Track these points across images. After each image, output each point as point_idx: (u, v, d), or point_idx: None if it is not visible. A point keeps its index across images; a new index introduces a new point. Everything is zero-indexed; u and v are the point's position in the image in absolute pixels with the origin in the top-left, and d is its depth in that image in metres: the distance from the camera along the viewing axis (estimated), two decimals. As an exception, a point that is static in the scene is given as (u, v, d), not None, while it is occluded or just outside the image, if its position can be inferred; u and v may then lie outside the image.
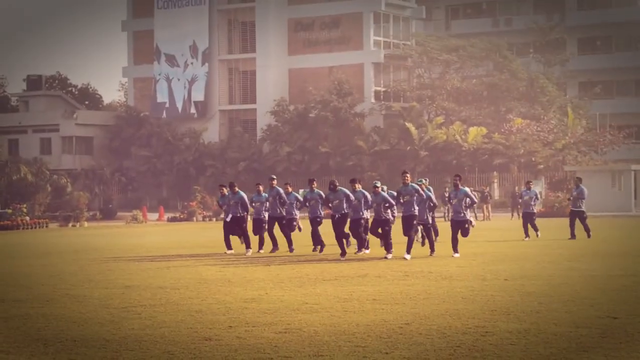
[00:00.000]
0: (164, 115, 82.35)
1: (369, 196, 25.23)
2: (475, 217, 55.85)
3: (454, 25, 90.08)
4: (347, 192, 25.50)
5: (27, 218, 53.58)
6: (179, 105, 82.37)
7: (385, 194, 25.22)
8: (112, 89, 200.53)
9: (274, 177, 28.39)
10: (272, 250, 27.83)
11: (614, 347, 11.45)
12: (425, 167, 71.16)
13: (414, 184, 25.12)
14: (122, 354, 11.51)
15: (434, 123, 72.59)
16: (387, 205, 24.99)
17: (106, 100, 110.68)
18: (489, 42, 77.57)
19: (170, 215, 62.66)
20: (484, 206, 55.28)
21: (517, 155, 69.22)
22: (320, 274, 21.06)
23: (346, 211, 25.43)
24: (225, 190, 28.54)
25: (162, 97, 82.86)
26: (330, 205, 25.67)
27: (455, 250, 25.29)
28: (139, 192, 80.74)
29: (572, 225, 32.74)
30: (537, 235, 33.21)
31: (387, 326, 13.15)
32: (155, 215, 64.77)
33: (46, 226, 54.00)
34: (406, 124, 72.40)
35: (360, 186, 25.79)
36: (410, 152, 71.51)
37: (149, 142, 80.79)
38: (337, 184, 25.94)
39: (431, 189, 29.55)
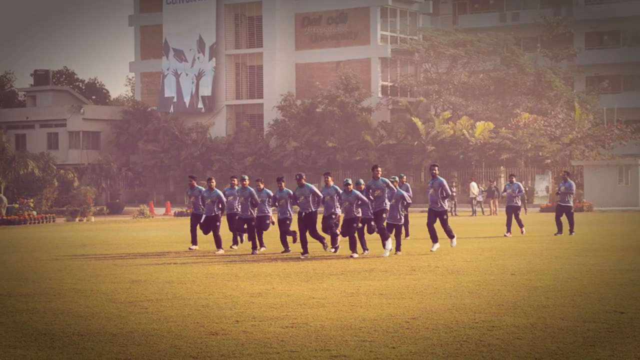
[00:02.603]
0: (172, 110, 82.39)
1: (341, 192, 24.26)
2: (482, 212, 55.96)
3: (461, 19, 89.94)
4: (314, 188, 24.77)
5: (34, 213, 53.64)
6: (187, 100, 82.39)
7: (358, 192, 24.14)
8: (119, 83, 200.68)
9: (246, 177, 26.96)
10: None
11: (620, 341, 11.45)
12: (432, 162, 71.07)
13: (384, 178, 24.46)
14: (129, 348, 11.53)
15: (441, 118, 72.51)
16: (360, 203, 24.03)
17: (113, 95, 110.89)
18: (496, 37, 77.45)
19: (177, 209, 62.69)
20: (491, 201, 55.24)
21: (524, 150, 69.10)
22: (326, 268, 21.07)
23: (313, 209, 24.62)
24: (195, 182, 27.74)
25: (170, 91, 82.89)
26: (297, 201, 24.82)
27: (434, 240, 24.65)
28: (146, 186, 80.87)
29: (558, 220, 32.31)
30: (522, 232, 32.50)
31: (393, 321, 13.16)
32: (162, 210, 64.84)
33: (53, 221, 54.06)
34: (413, 118, 72.33)
35: (332, 181, 24.95)
36: (417, 146, 71.47)
37: (156, 137, 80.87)
38: (304, 178, 25.13)
39: (409, 186, 29.05)
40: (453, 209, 55.62)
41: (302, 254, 24.29)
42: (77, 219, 56.56)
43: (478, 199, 56.36)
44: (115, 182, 77.00)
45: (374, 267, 21.00)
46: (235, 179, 27.50)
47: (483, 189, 57.04)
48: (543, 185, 64.76)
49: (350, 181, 24.20)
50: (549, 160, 69.14)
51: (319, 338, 11.92)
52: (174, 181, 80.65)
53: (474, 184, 57.17)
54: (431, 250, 24.64)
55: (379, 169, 24.71)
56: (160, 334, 12.44)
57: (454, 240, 25.18)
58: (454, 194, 56.40)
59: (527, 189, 58.86)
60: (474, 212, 55.51)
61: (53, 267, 22.70)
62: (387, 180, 24.52)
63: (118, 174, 76.92)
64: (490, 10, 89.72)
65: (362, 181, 24.83)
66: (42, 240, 35.77)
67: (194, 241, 27.64)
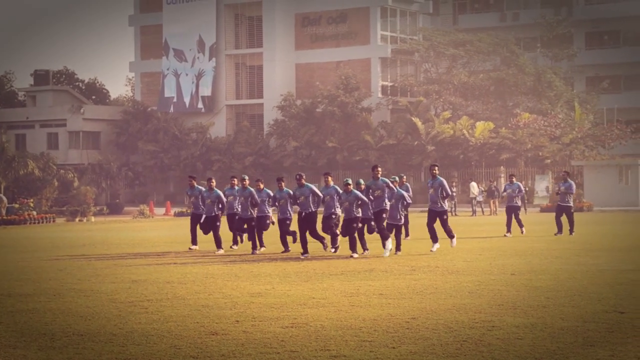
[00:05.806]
0: (171, 110, 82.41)
1: (340, 192, 24.23)
2: (482, 212, 55.96)
3: (461, 19, 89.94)
4: (314, 188, 24.79)
5: (34, 213, 53.65)
6: (187, 100, 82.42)
7: (358, 192, 24.05)
8: (119, 83, 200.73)
9: (246, 177, 27.04)
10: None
11: (620, 341, 11.44)
12: (432, 162, 71.05)
13: (384, 178, 24.42)
14: (129, 348, 11.52)
15: (441, 118, 72.52)
16: (359, 203, 23.96)
17: (113, 95, 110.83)
18: (496, 37, 77.49)
19: (177, 210, 62.67)
20: (491, 201, 55.26)
21: (524, 150, 69.14)
22: (326, 268, 21.07)
23: (313, 209, 24.61)
24: (195, 182, 27.91)
25: (169, 91, 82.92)
26: (297, 201, 24.83)
27: (434, 240, 24.60)
28: (146, 186, 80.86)
29: (558, 220, 32.31)
30: (522, 232, 32.46)
31: (393, 321, 13.15)
32: (162, 210, 64.83)
33: (53, 221, 54.07)
34: (413, 118, 72.35)
35: (332, 181, 24.98)
36: (417, 146, 71.48)
37: (156, 137, 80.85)
38: (304, 178, 25.10)
39: (409, 186, 28.95)
40: (453, 209, 55.63)
41: (302, 254, 24.31)
42: (77, 219, 56.57)
43: (478, 199, 56.39)
44: (115, 182, 77.00)
45: (374, 267, 20.99)
46: (236, 179, 27.64)
47: (483, 189, 57.10)
48: (543, 185, 64.76)
49: (350, 181, 24.12)
50: (549, 160, 69.17)
51: (319, 338, 11.92)
52: (174, 181, 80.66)
53: (473, 184, 57.18)
54: (431, 250, 24.64)
55: (379, 169, 24.75)
56: (160, 334, 12.43)
57: (454, 240, 25.22)
58: (454, 194, 56.43)
59: (527, 189, 58.81)
60: (474, 212, 55.53)
61: (53, 267, 22.70)
62: (387, 180, 24.51)
63: (118, 174, 76.93)
64: (491, 10, 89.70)
65: (362, 181, 24.74)
66: (42, 240, 35.78)
67: (194, 241, 27.74)
